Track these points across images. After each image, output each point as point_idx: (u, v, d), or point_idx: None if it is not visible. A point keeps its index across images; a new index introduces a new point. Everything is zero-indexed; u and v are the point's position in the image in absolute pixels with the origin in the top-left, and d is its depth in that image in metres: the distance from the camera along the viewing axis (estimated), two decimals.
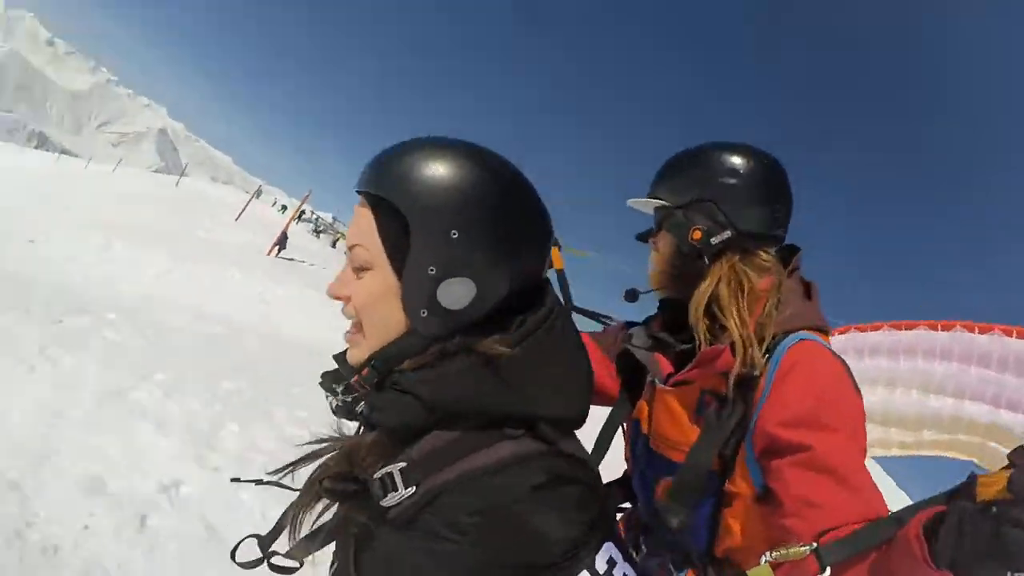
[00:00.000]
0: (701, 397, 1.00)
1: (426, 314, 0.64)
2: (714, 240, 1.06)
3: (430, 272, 0.63)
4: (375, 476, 0.63)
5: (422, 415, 0.64)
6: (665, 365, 1.06)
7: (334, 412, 0.74)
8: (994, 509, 0.63)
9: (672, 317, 1.13)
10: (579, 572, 0.61)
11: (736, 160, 1.08)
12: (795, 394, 0.91)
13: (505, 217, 0.65)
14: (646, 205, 1.19)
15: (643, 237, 1.22)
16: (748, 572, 0.82)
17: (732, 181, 1.07)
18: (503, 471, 0.60)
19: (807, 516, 0.85)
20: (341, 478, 0.66)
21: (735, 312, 0.99)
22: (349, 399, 0.71)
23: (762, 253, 1.07)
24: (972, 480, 0.69)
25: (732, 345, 0.95)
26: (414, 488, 0.61)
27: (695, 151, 1.13)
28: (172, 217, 16.14)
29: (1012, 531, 0.62)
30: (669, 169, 1.15)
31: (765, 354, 0.95)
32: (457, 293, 0.64)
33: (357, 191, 0.69)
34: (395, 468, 0.62)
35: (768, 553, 0.82)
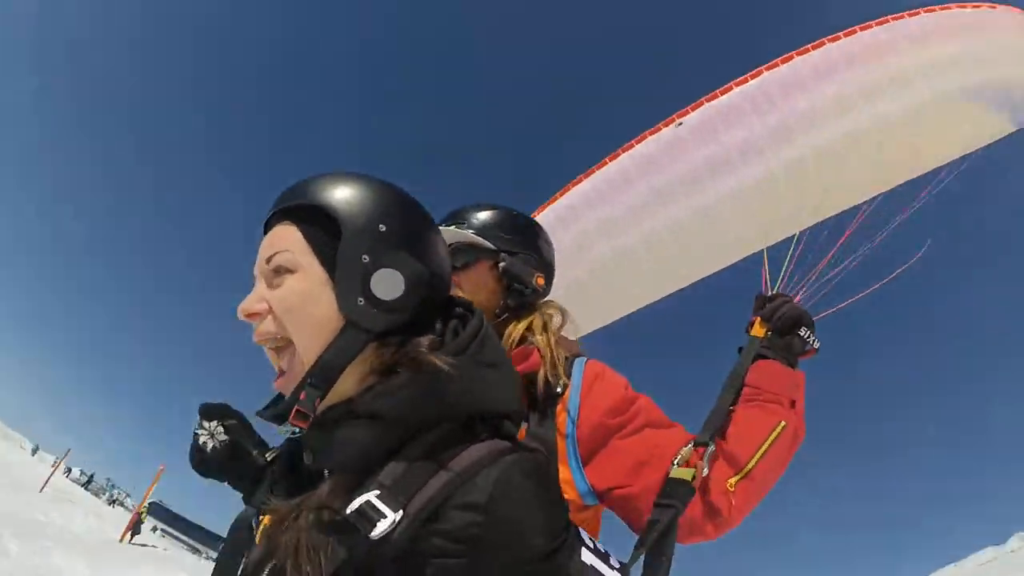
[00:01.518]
0: None
1: (363, 302, 0.65)
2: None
3: (364, 260, 0.66)
4: (350, 510, 0.57)
5: (384, 437, 0.62)
6: None
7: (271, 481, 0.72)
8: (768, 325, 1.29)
9: None
10: (577, 553, 0.60)
11: (526, 221, 1.39)
12: (610, 392, 1.10)
13: (419, 218, 0.73)
14: (455, 237, 1.27)
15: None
16: (671, 473, 1.01)
17: (535, 238, 1.38)
18: (485, 471, 0.59)
19: (662, 452, 1.06)
20: (321, 522, 0.59)
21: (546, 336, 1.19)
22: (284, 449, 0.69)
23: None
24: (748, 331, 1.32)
25: (539, 350, 1.12)
26: (401, 512, 0.57)
27: (502, 208, 1.34)
28: None
29: (785, 314, 1.27)
30: (491, 217, 1.31)
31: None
32: (389, 282, 0.66)
33: (275, 211, 0.72)
34: (370, 496, 0.57)
35: (673, 466, 1.02)
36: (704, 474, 1.03)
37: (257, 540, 0.72)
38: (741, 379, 1.21)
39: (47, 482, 18.34)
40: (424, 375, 0.64)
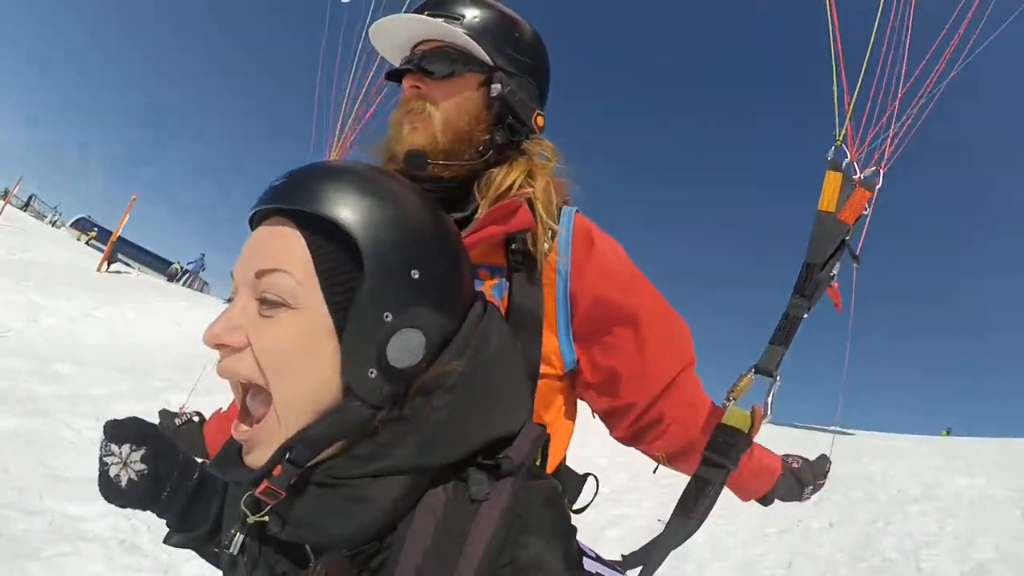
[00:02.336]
0: (473, 270, 0.87)
1: (375, 375, 0.50)
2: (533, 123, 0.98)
3: (385, 319, 0.51)
4: None
5: (382, 501, 0.50)
6: None
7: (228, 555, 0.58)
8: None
9: (421, 183, 0.92)
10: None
11: (535, 36, 1.03)
12: (613, 260, 0.95)
13: (454, 249, 0.57)
14: (440, 33, 0.92)
15: (412, 73, 0.94)
16: (724, 419, 0.96)
17: (540, 62, 1.02)
18: (506, 543, 0.49)
19: (683, 350, 1.00)
20: None
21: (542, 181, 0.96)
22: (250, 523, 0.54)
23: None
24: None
25: (529, 202, 0.88)
26: None
27: (508, 10, 0.98)
28: None
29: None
30: (492, 18, 0.95)
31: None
32: (408, 348, 0.51)
33: (277, 207, 0.54)
34: None
35: (725, 401, 0.99)
36: (767, 418, 0.99)
37: None
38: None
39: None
40: (440, 415, 0.52)
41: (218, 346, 0.52)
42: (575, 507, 0.95)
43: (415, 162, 0.89)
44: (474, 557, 0.48)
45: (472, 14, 0.93)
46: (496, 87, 0.92)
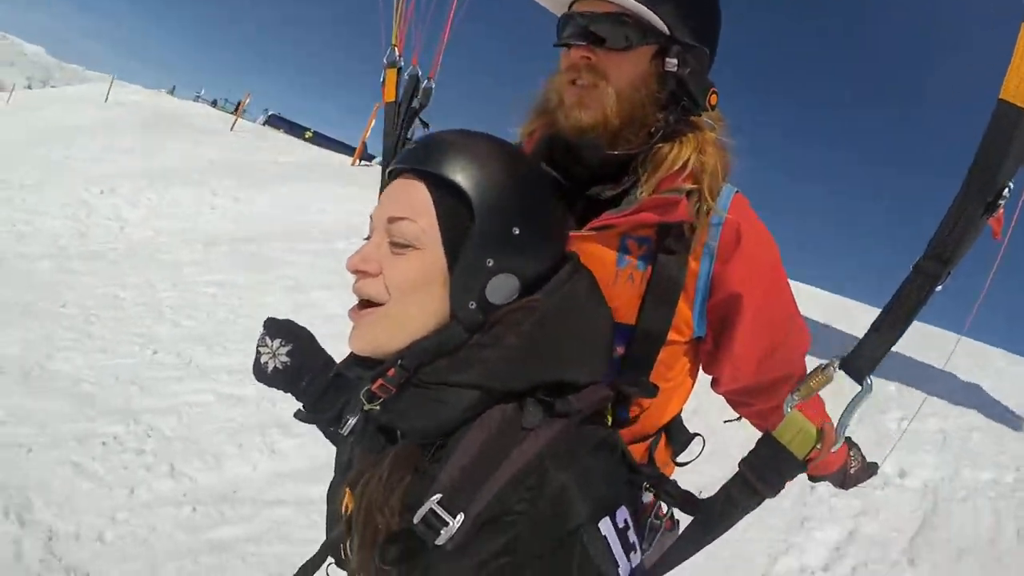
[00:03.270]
0: (622, 242, 0.86)
1: (474, 306, 0.63)
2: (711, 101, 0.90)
3: (488, 264, 0.63)
4: (416, 522, 0.59)
5: (453, 409, 0.62)
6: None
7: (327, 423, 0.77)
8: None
9: (577, 158, 0.89)
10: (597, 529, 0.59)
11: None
12: (761, 255, 0.89)
13: (550, 214, 0.69)
14: (619, 3, 0.82)
15: (580, 41, 0.84)
16: (775, 432, 0.78)
17: (718, 27, 0.91)
18: (536, 471, 0.59)
19: (799, 346, 0.94)
20: (388, 547, 0.60)
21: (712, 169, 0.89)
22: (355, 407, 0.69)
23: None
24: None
25: (689, 194, 0.85)
26: (462, 515, 0.58)
27: None
28: (185, 144, 12.56)
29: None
30: None
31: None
32: (504, 288, 0.64)
33: (412, 167, 0.66)
34: (431, 504, 0.58)
35: (791, 397, 0.78)
36: (826, 449, 0.76)
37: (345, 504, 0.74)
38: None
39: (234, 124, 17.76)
40: (510, 343, 0.63)
41: (357, 271, 0.65)
42: (678, 460, 1.02)
43: (592, 153, 0.86)
44: (505, 474, 0.58)
45: None
46: (672, 61, 0.84)
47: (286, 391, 0.96)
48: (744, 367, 0.93)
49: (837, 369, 0.75)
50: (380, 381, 0.63)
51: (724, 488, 0.80)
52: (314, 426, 0.99)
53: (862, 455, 1.13)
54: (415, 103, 1.39)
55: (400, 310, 0.64)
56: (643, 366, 0.86)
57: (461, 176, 0.63)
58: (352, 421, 0.80)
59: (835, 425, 0.76)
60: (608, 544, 0.59)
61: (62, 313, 4.26)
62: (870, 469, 1.13)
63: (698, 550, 0.82)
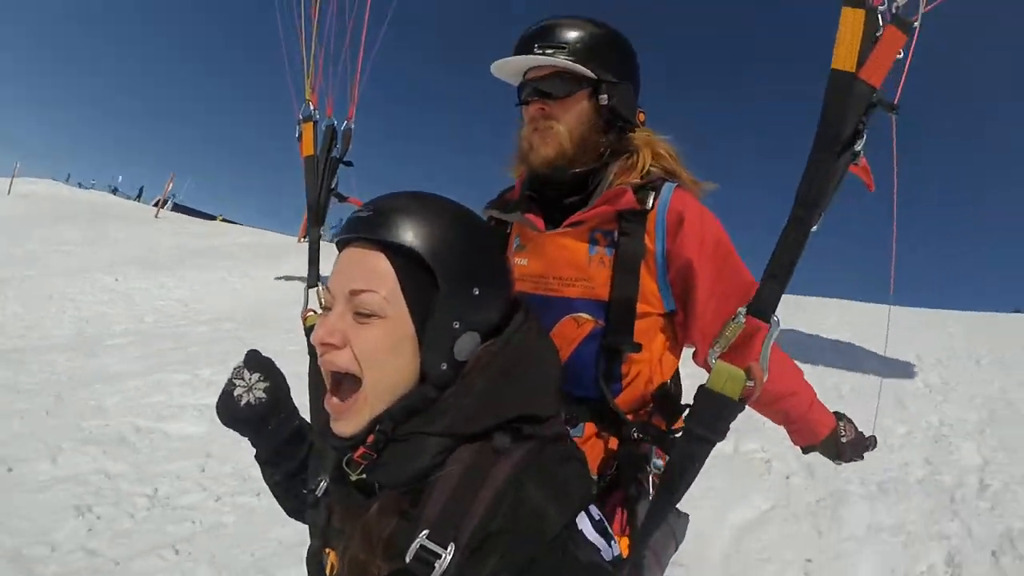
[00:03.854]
0: (591, 235, 1.11)
1: (445, 367, 0.67)
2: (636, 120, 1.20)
3: (455, 326, 0.67)
4: (409, 560, 0.61)
5: (430, 454, 0.66)
6: (538, 220, 1.16)
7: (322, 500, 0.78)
8: None
9: (548, 182, 1.17)
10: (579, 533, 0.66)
11: (626, 43, 1.21)
12: (704, 226, 1.10)
13: (500, 270, 0.74)
14: (551, 63, 1.12)
15: (533, 99, 1.15)
16: (707, 384, 0.79)
17: (634, 64, 1.21)
18: (513, 487, 0.63)
19: (741, 295, 1.01)
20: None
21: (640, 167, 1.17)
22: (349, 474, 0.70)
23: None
24: None
25: (635, 189, 1.10)
26: (452, 545, 0.61)
27: (599, 25, 1.16)
28: (120, 233, 13.07)
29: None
30: (590, 38, 1.13)
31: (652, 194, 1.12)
32: (469, 345, 0.68)
33: (367, 237, 0.67)
34: (421, 539, 0.61)
35: (712, 350, 0.81)
36: (758, 383, 0.78)
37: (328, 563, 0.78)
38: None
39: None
40: (472, 397, 0.67)
41: (323, 344, 0.66)
42: (675, 426, 1.11)
43: (559, 174, 1.14)
44: (485, 497, 0.62)
45: (574, 38, 1.12)
46: (603, 97, 1.13)
47: (251, 431, 0.92)
48: (709, 328, 1.07)
49: (745, 315, 0.80)
50: (362, 449, 0.67)
51: (677, 446, 0.82)
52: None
53: (855, 427, 1.27)
54: (335, 152, 1.41)
55: (376, 380, 0.66)
56: (623, 330, 1.08)
57: (420, 244, 0.65)
58: (324, 484, 0.80)
59: (758, 363, 0.79)
60: (586, 536, 0.65)
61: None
62: (868, 442, 1.27)
63: (669, 510, 0.83)
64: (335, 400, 0.69)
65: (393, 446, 0.67)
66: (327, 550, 0.78)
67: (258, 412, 0.89)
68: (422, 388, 0.67)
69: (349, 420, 0.68)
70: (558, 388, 0.77)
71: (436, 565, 0.60)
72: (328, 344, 0.66)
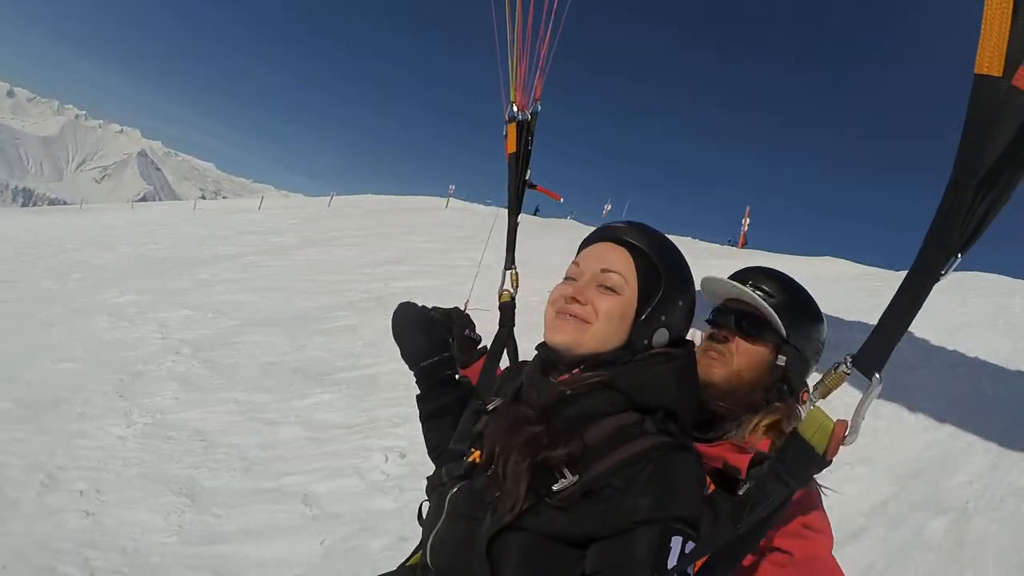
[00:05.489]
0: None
1: (645, 343, 0.91)
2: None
3: (662, 318, 0.92)
4: (550, 465, 0.81)
5: (608, 402, 0.87)
6: None
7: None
8: None
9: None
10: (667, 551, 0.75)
11: (818, 315, 1.25)
12: (812, 543, 1.03)
13: (693, 300, 0.99)
14: (756, 303, 1.19)
15: (726, 325, 1.21)
16: (800, 428, 0.79)
17: (820, 341, 1.24)
18: (643, 458, 0.80)
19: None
20: (527, 465, 0.82)
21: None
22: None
23: None
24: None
25: (755, 458, 1.02)
26: (578, 477, 0.79)
27: (803, 293, 1.24)
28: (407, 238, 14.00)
29: None
30: (795, 299, 1.21)
31: None
32: (662, 337, 0.92)
33: (619, 238, 0.96)
34: (559, 454, 0.81)
35: (811, 395, 0.81)
36: (850, 441, 0.76)
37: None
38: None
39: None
40: (662, 372, 0.90)
41: (572, 299, 0.92)
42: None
43: (708, 401, 1.14)
44: (621, 455, 0.80)
45: (780, 294, 1.20)
46: (783, 359, 1.16)
47: (421, 332, 1.18)
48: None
49: (850, 366, 0.76)
50: (576, 371, 0.90)
51: (759, 480, 0.84)
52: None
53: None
54: (528, 145, 1.53)
55: (598, 328, 0.89)
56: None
57: (660, 256, 0.93)
58: (496, 403, 0.99)
59: (846, 422, 0.76)
60: (668, 555, 0.74)
61: None
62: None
63: (728, 539, 0.82)
64: (564, 325, 0.90)
65: (583, 395, 0.87)
66: (473, 450, 0.93)
67: (428, 316, 1.21)
68: (621, 351, 0.90)
69: (571, 331, 0.90)
70: (694, 413, 0.95)
71: (559, 483, 0.79)
72: (574, 299, 0.91)
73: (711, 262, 9.78)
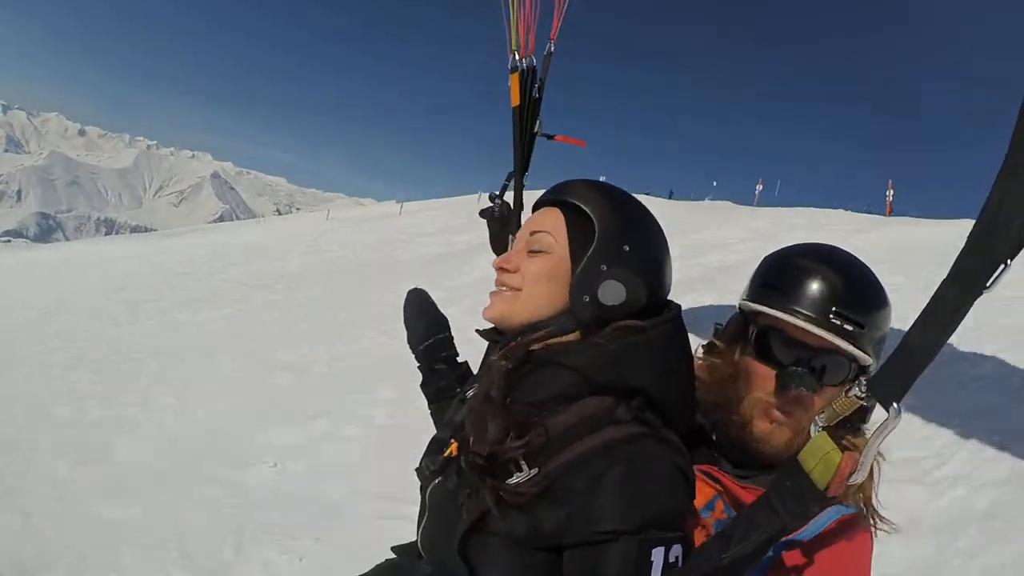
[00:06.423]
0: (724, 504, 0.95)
1: (587, 299, 0.79)
2: None
3: (601, 268, 0.80)
4: (505, 457, 0.75)
5: (562, 385, 0.78)
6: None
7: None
8: None
9: (736, 454, 0.99)
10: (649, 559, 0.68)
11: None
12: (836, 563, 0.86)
13: (658, 246, 0.87)
14: (847, 349, 0.89)
15: (804, 385, 0.88)
16: (800, 455, 0.68)
17: None
18: (607, 453, 0.72)
19: None
20: (481, 458, 0.76)
21: None
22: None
23: None
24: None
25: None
26: (537, 470, 0.73)
27: (882, 295, 0.94)
28: None
29: None
30: (884, 317, 0.93)
31: None
32: (613, 292, 0.79)
33: (552, 199, 0.89)
34: (516, 449, 0.74)
35: (816, 420, 0.73)
36: (855, 481, 0.66)
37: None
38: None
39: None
40: (611, 347, 0.78)
41: (500, 268, 0.87)
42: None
43: (755, 453, 0.95)
44: (580, 449, 0.73)
45: (873, 319, 0.89)
46: (856, 391, 0.72)
47: (425, 316, 1.19)
48: None
49: (865, 391, 0.67)
50: (515, 343, 0.83)
51: (750, 507, 0.73)
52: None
53: None
54: (534, 93, 1.42)
55: (529, 293, 0.83)
56: None
57: (588, 203, 0.83)
58: (472, 391, 0.92)
59: (856, 456, 0.66)
60: (650, 570, 0.67)
61: None
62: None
63: (710, 568, 0.71)
64: (497, 299, 0.86)
65: (533, 369, 0.80)
66: (452, 440, 0.88)
67: (427, 300, 1.21)
68: (563, 316, 0.82)
69: (497, 305, 0.85)
70: (686, 402, 0.85)
71: (514, 477, 0.73)
72: (504, 268, 0.86)
73: (867, 235, 8.64)
